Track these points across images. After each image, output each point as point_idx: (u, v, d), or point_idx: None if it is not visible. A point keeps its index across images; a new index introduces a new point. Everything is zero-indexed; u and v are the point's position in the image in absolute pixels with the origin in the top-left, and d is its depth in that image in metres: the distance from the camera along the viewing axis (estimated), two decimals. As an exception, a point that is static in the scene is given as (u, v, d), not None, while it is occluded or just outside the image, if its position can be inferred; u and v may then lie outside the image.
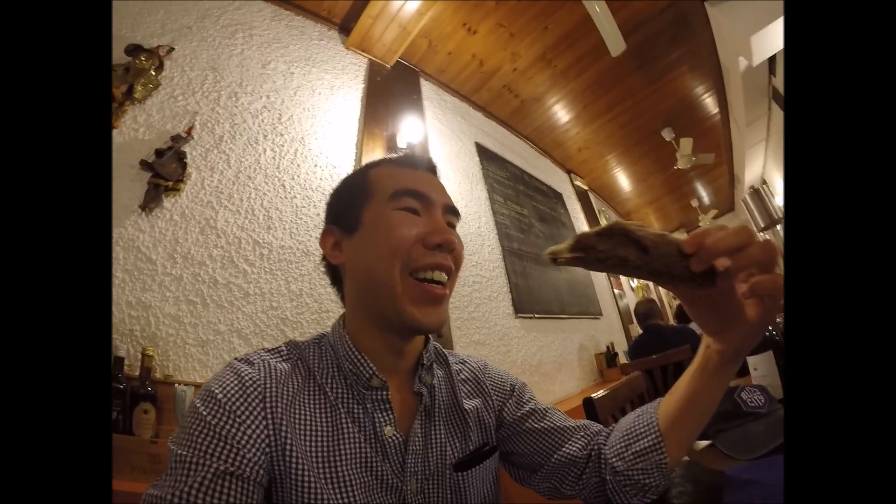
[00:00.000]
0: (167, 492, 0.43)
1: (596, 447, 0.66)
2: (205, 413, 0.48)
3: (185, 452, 0.45)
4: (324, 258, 0.69)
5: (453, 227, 0.66)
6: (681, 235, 0.43)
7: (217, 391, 0.50)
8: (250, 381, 0.52)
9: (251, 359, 0.57)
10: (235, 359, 0.57)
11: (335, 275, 0.69)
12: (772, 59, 3.22)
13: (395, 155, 0.72)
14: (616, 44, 2.52)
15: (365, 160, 2.25)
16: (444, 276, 0.60)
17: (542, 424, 0.69)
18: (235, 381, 0.52)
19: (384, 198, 0.62)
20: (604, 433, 0.67)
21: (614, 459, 0.61)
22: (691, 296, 0.49)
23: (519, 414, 0.71)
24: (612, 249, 0.42)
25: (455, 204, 0.67)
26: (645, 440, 0.59)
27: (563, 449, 0.67)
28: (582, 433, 0.68)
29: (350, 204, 0.65)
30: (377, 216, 0.62)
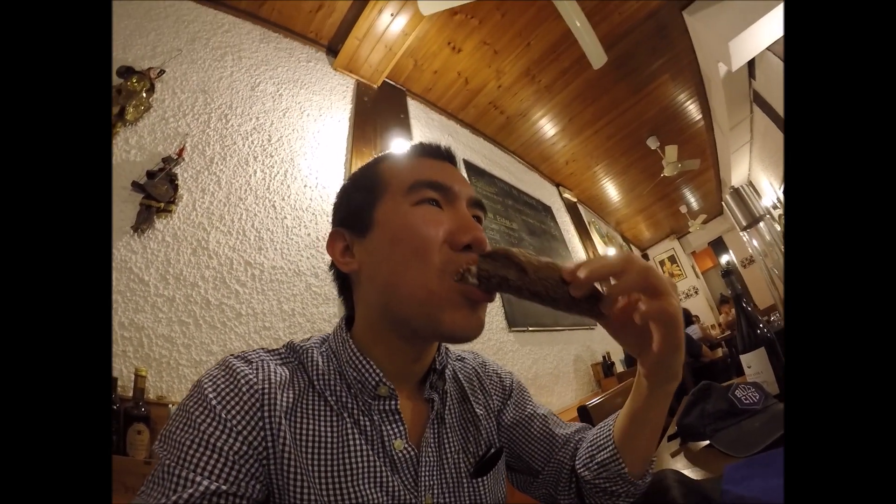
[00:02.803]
0: None
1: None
2: (197, 418, 0.43)
3: (173, 463, 0.41)
4: (332, 265, 0.61)
5: (480, 221, 0.59)
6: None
7: (210, 393, 0.45)
8: (246, 384, 0.47)
9: (249, 357, 0.51)
10: (232, 355, 0.51)
11: (344, 283, 0.62)
12: (751, 63, 3.30)
13: (408, 146, 0.63)
14: (597, 57, 2.56)
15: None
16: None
17: (542, 430, 0.68)
18: (230, 383, 0.47)
19: (400, 192, 0.55)
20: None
21: (581, 469, 0.61)
22: (606, 320, 0.49)
23: (518, 418, 0.69)
24: (495, 269, 0.47)
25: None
26: (604, 452, 0.58)
27: (558, 456, 0.66)
28: (575, 439, 0.67)
29: (360, 202, 0.58)
30: (392, 213, 0.54)
